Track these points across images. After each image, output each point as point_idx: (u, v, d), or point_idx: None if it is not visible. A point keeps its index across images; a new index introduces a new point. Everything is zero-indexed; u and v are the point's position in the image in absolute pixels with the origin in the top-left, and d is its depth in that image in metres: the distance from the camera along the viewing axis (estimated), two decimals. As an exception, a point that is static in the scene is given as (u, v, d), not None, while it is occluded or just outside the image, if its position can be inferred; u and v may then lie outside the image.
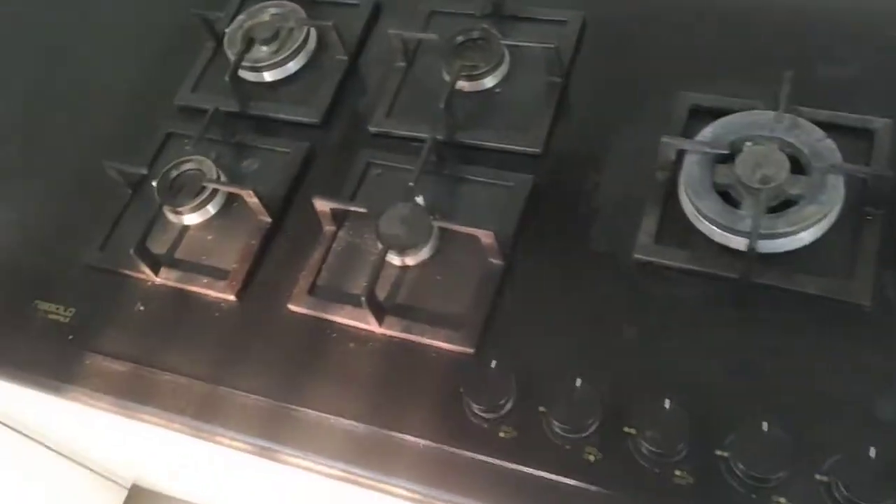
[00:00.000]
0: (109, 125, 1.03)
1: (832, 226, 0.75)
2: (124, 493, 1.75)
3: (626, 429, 0.70)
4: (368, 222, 0.85)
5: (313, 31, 1.01)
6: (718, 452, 0.68)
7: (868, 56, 0.84)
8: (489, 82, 0.92)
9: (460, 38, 0.93)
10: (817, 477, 0.66)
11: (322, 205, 0.85)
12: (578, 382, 0.71)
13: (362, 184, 0.90)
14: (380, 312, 0.79)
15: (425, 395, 0.77)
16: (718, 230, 0.76)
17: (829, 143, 0.76)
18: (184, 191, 0.91)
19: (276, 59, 0.99)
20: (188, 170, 0.92)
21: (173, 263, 0.89)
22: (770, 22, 0.90)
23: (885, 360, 0.70)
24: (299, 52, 0.99)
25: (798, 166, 0.77)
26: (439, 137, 0.87)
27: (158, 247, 0.90)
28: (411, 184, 0.83)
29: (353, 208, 0.84)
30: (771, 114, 0.79)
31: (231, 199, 0.92)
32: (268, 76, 1.00)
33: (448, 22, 0.98)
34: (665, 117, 0.85)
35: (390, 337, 0.80)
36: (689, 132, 0.82)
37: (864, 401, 0.69)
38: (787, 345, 0.72)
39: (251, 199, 0.87)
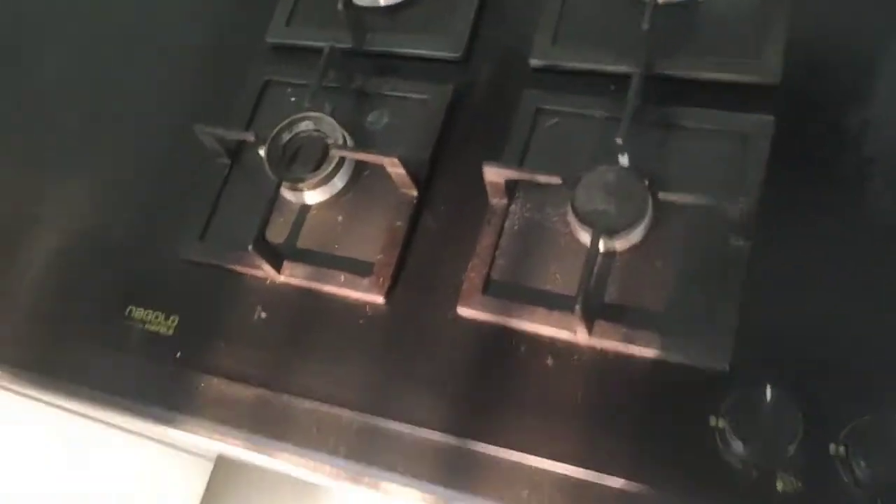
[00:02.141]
0: (188, 74, 0.83)
1: None
2: (210, 466, 1.64)
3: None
4: (551, 192, 0.64)
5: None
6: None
7: None
8: (691, -9, 0.69)
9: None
10: None
11: (494, 174, 0.63)
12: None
13: (532, 138, 0.68)
14: (589, 318, 0.59)
15: (661, 430, 0.57)
16: None
17: None
18: (300, 159, 0.71)
19: (396, -23, 0.76)
20: (303, 131, 0.71)
21: (298, 255, 0.69)
22: None
23: None
24: (424, -34, 0.77)
25: None
26: (639, 70, 0.65)
27: (275, 233, 0.70)
28: (619, 140, 0.61)
29: (542, 179, 0.63)
30: None
31: (360, 167, 0.71)
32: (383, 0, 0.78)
33: None
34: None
35: (602, 350, 0.60)
36: None
37: None
38: None
39: (396, 168, 0.66)
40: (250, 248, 0.65)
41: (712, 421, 0.56)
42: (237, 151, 0.75)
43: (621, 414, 0.59)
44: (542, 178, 0.62)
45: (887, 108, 0.62)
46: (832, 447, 0.53)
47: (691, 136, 0.64)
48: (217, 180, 0.74)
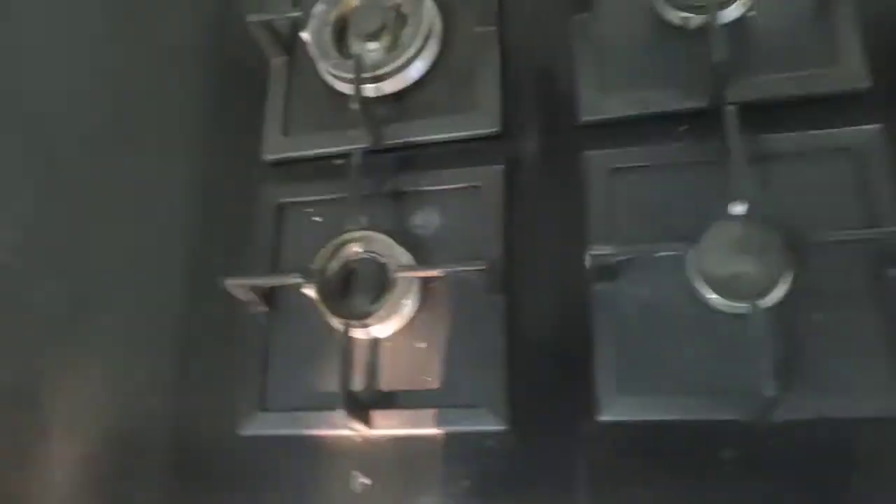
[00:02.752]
0: (188, 223, 0.70)
1: None
2: None
3: None
4: (662, 263, 0.56)
5: (429, 3, 0.69)
6: None
7: None
8: (738, 7, 0.62)
9: (678, -50, 0.63)
10: None
11: (597, 259, 0.55)
12: None
13: (614, 204, 0.60)
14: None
15: None
16: None
17: None
18: (356, 288, 0.60)
19: (399, 59, 0.66)
20: (354, 256, 0.61)
21: (386, 401, 0.59)
22: None
23: None
24: (427, 40, 0.67)
25: None
26: (722, 103, 0.58)
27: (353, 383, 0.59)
28: (736, 185, 0.54)
29: (661, 251, 0.55)
30: None
31: (427, 280, 0.61)
32: (390, 85, 0.68)
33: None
34: None
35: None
36: None
37: None
38: None
39: (483, 276, 0.56)
40: (339, 409, 0.54)
41: None
42: (271, 295, 0.64)
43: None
44: (663, 250, 0.54)
45: None
46: None
47: (793, 165, 0.58)
48: (259, 334, 0.63)
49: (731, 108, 0.56)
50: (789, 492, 0.52)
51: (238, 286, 0.60)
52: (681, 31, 0.63)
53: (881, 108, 0.58)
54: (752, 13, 0.62)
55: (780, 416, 0.51)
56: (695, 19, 0.62)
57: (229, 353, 0.64)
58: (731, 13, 0.62)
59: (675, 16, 0.63)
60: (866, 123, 0.57)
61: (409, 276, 0.59)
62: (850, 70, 0.59)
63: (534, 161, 0.64)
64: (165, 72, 0.76)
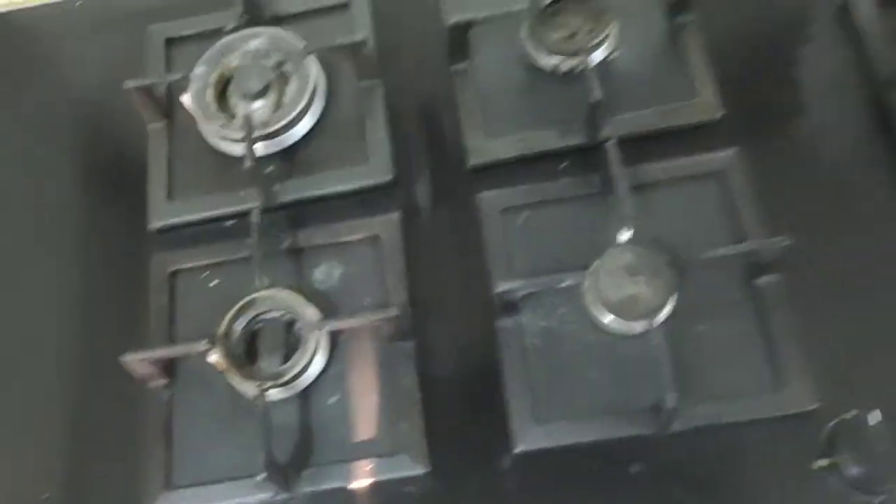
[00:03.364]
0: (74, 304, 0.67)
1: None
2: None
3: None
4: (560, 292, 0.59)
5: (313, 60, 0.70)
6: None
7: None
8: (603, 50, 0.67)
9: (545, 1, 0.67)
10: None
11: (507, 294, 0.57)
12: None
13: (511, 242, 0.62)
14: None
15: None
16: None
17: None
18: (262, 350, 0.59)
19: (285, 117, 0.67)
20: (259, 316, 0.60)
21: (304, 461, 0.58)
22: None
23: None
24: (313, 96, 0.69)
25: None
26: (587, 141, 0.63)
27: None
28: (624, 212, 0.58)
29: (563, 284, 0.57)
30: None
31: (335, 334, 0.61)
32: (277, 143, 0.68)
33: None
34: (841, 20, 0.66)
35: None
36: (893, 32, 0.64)
37: None
38: None
39: (393, 323, 0.57)
40: (262, 477, 0.53)
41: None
42: (171, 367, 0.62)
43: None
44: (566, 283, 0.57)
45: (822, 115, 0.64)
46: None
47: (667, 192, 0.62)
48: (160, 409, 0.61)
49: (611, 142, 0.60)
50: (691, 495, 0.55)
51: (137, 360, 0.58)
52: (554, 74, 0.67)
53: (736, 133, 0.63)
54: (618, 54, 0.68)
55: (679, 426, 0.55)
56: (566, 63, 0.66)
57: (130, 433, 0.61)
58: (598, 56, 0.67)
59: (548, 61, 0.67)
60: (724, 148, 0.63)
61: (319, 331, 0.59)
62: (706, 102, 0.64)
63: (428, 206, 0.66)
64: (40, 149, 0.73)
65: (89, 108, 0.74)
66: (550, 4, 0.68)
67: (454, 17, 0.66)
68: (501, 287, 0.57)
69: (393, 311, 0.57)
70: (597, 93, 0.61)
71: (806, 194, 0.62)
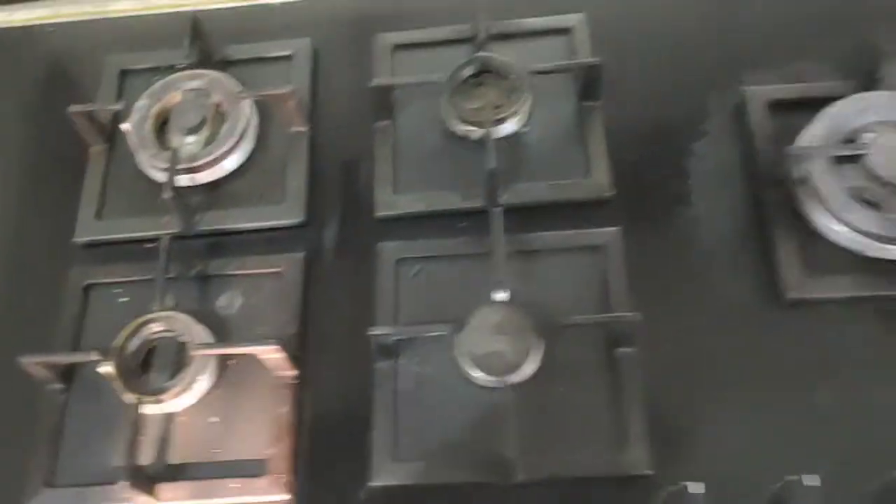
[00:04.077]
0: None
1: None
2: None
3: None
4: (437, 341, 0.63)
5: (248, 103, 0.76)
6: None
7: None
8: (512, 125, 0.72)
9: (465, 74, 0.73)
10: None
11: (382, 338, 0.61)
12: (811, 480, 0.55)
13: (400, 290, 0.67)
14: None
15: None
16: (877, 243, 0.63)
17: (956, 114, 0.66)
18: (155, 366, 0.64)
19: (215, 152, 0.72)
20: (154, 335, 0.64)
21: (174, 473, 0.62)
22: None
23: None
24: (243, 136, 0.74)
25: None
26: (485, 205, 0.67)
27: (141, 455, 0.62)
28: (499, 275, 0.62)
29: (432, 333, 0.62)
30: (877, 95, 0.67)
31: (225, 357, 0.65)
32: (204, 176, 0.73)
33: (420, 58, 0.78)
34: (735, 121, 0.71)
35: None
36: (780, 134, 0.69)
37: None
38: None
39: (275, 354, 0.61)
40: (123, 481, 0.57)
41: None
42: (70, 373, 0.66)
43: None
44: (434, 332, 0.61)
45: (706, 203, 0.69)
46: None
47: (550, 259, 0.67)
48: (53, 412, 0.64)
49: (497, 209, 0.65)
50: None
51: (33, 364, 0.62)
52: (465, 141, 0.72)
53: (621, 213, 0.68)
54: (526, 129, 0.73)
55: (524, 477, 0.58)
56: (475, 132, 0.71)
57: (23, 432, 0.65)
58: (508, 128, 0.72)
59: (460, 128, 0.72)
60: (609, 226, 0.67)
61: (204, 353, 0.63)
62: (598, 181, 0.69)
63: (333, 250, 0.71)
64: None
65: (35, 130, 0.80)
66: (472, 77, 0.74)
67: (376, 81, 0.72)
68: (374, 331, 0.61)
69: (274, 343, 0.61)
70: (492, 162, 0.66)
71: (676, 277, 0.66)
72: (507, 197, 0.69)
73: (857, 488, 0.56)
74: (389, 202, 0.71)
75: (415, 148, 0.74)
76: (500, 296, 0.63)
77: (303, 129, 0.75)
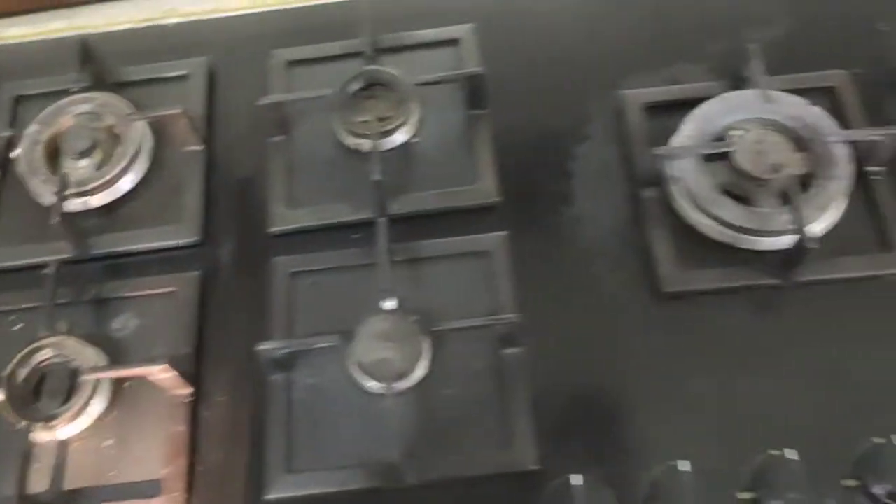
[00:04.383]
0: None
1: (850, 196, 0.68)
2: None
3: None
4: (328, 352, 0.64)
5: (142, 125, 0.76)
6: (847, 483, 0.59)
7: (793, 11, 0.79)
8: (403, 135, 0.74)
9: (353, 88, 0.74)
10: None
11: (271, 352, 0.62)
12: (683, 465, 0.58)
13: (294, 304, 0.68)
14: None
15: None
16: (746, 235, 0.66)
17: (817, 111, 0.69)
18: (46, 392, 0.64)
19: (106, 175, 0.73)
20: (45, 361, 0.64)
21: (68, 500, 0.61)
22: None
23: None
24: (136, 158, 0.74)
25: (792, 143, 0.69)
26: (376, 216, 0.69)
27: (33, 483, 0.61)
28: (384, 285, 0.64)
29: (320, 344, 0.63)
30: (741, 94, 0.71)
31: (120, 380, 0.66)
32: (97, 200, 0.74)
33: (315, 72, 0.79)
34: (615, 124, 0.74)
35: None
36: (655, 135, 0.72)
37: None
38: (860, 340, 0.64)
39: (165, 375, 0.62)
40: (12, 511, 0.57)
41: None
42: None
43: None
44: (321, 343, 0.63)
45: (588, 203, 0.71)
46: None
47: (439, 265, 0.69)
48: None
49: (382, 220, 0.67)
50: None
51: (-79, 393, 0.62)
52: (356, 153, 0.74)
53: (507, 218, 0.70)
54: (416, 139, 0.75)
55: (415, 479, 0.60)
56: (365, 144, 0.73)
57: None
58: (397, 139, 0.74)
59: (351, 141, 0.74)
60: (496, 230, 0.70)
61: (93, 377, 0.63)
62: (486, 187, 0.71)
63: (229, 267, 0.72)
64: None
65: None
66: (363, 90, 0.75)
67: (265, 98, 0.73)
68: (262, 346, 0.62)
69: (162, 363, 0.62)
70: (377, 174, 0.67)
71: (561, 277, 0.68)
72: (397, 207, 0.71)
73: (728, 471, 0.59)
74: (283, 217, 0.72)
75: (309, 162, 0.75)
76: (388, 304, 0.64)
77: (198, 147, 0.76)
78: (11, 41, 0.88)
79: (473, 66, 0.76)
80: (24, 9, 0.89)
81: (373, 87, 0.75)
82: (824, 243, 0.66)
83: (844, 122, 0.71)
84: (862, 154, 0.69)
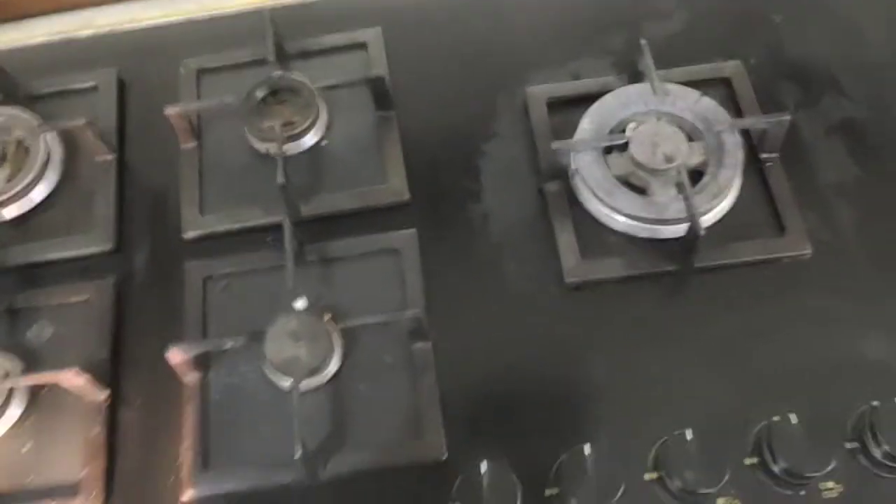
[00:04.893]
0: None
1: (742, 184, 0.71)
2: None
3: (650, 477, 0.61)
4: (242, 352, 0.66)
5: (52, 137, 0.76)
6: (748, 461, 0.62)
7: (691, 4, 0.82)
8: (312, 138, 0.76)
9: (260, 94, 0.75)
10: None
11: (181, 355, 0.63)
12: (587, 449, 0.60)
13: (208, 307, 0.69)
14: (312, 466, 0.61)
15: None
16: (644, 224, 0.69)
17: (709, 102, 0.72)
18: (-40, 402, 0.64)
19: (16, 187, 0.73)
20: (-43, 373, 0.65)
21: (-14, 505, 0.62)
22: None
23: (845, 301, 0.68)
24: (46, 169, 0.75)
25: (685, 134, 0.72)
26: (287, 218, 0.70)
27: (-51, 494, 0.62)
28: (290, 285, 0.65)
29: (228, 345, 0.64)
30: (637, 88, 0.73)
31: (37, 387, 0.66)
32: (9, 212, 0.74)
33: (225, 80, 0.80)
34: (521, 120, 0.76)
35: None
36: (558, 129, 0.74)
37: (857, 350, 0.65)
38: (757, 322, 0.67)
39: (77, 380, 0.63)
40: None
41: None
42: None
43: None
44: (229, 344, 0.64)
45: (496, 198, 0.73)
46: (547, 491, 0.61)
47: (350, 264, 0.70)
48: None
49: (287, 221, 0.68)
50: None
51: None
52: (266, 158, 0.75)
53: (417, 216, 0.72)
54: (325, 142, 0.76)
55: (328, 475, 0.62)
56: (272, 148, 0.74)
57: None
58: (306, 142, 0.75)
59: (260, 146, 0.75)
60: (406, 228, 0.71)
61: (6, 385, 0.64)
62: (395, 187, 0.73)
63: (142, 274, 0.72)
64: None
65: None
66: (272, 95, 0.76)
67: (169, 108, 0.74)
68: (175, 353, 0.63)
69: (72, 369, 0.62)
70: (281, 177, 0.69)
71: (469, 271, 0.70)
72: (308, 208, 0.72)
73: (633, 454, 0.62)
74: (196, 222, 0.73)
75: (220, 168, 0.76)
76: (298, 304, 0.66)
77: (109, 157, 0.76)
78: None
79: (382, 69, 0.78)
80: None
81: (280, 92, 0.76)
82: (721, 230, 0.70)
83: (739, 112, 0.75)
84: (756, 142, 0.73)
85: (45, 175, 0.74)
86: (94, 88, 0.80)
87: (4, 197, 0.73)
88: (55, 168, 0.76)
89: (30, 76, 0.82)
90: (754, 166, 0.72)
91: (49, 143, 0.75)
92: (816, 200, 0.71)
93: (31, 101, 0.80)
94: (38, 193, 0.74)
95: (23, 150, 0.75)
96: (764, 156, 0.72)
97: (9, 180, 0.74)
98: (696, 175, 0.70)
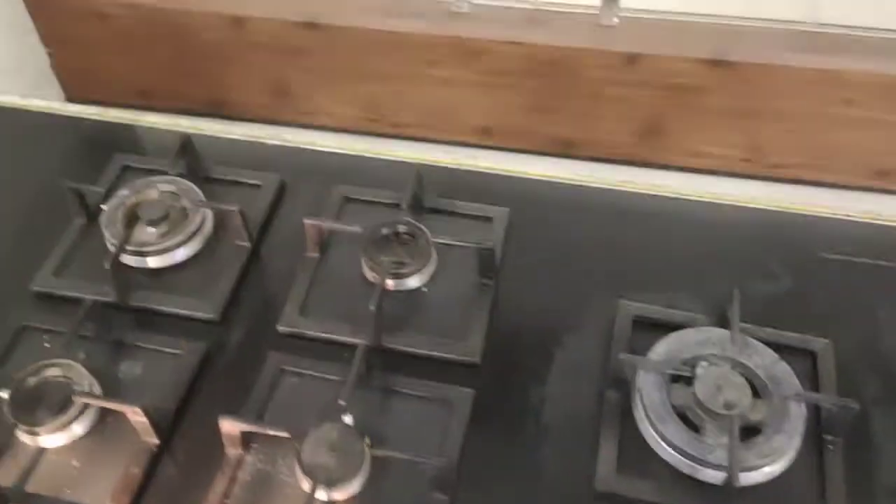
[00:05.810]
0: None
1: (798, 455, 0.71)
2: None
3: None
4: (283, 444, 0.71)
5: (209, 213, 0.89)
6: None
7: (800, 273, 0.86)
8: (415, 281, 0.84)
9: (384, 231, 0.85)
10: None
11: (231, 426, 0.70)
12: None
13: (273, 395, 0.76)
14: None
15: None
16: (686, 460, 0.70)
17: (785, 367, 0.74)
18: (44, 404, 0.73)
19: (165, 244, 0.85)
20: (51, 377, 0.74)
21: (23, 499, 0.69)
22: (705, 235, 0.90)
23: None
24: (193, 237, 0.87)
25: (753, 389, 0.74)
26: (367, 343, 0.77)
27: (3, 476, 0.70)
28: (342, 402, 0.71)
29: (271, 432, 0.70)
30: (721, 332, 0.76)
31: (105, 413, 0.75)
32: (153, 262, 0.86)
33: (364, 211, 0.91)
34: (607, 327, 0.81)
35: None
36: (636, 345, 0.78)
37: None
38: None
39: (137, 417, 0.70)
40: (-26, 491, 0.65)
41: None
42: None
43: None
44: (272, 431, 0.70)
45: (557, 390, 0.77)
46: None
47: (406, 401, 0.76)
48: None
49: (363, 344, 0.75)
50: None
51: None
52: (371, 286, 0.83)
53: (480, 379, 0.77)
54: (426, 289, 0.84)
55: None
56: (378, 278, 0.83)
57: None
58: (410, 283, 0.83)
59: (370, 274, 0.84)
60: (466, 387, 0.76)
61: (85, 401, 0.72)
62: (470, 347, 0.79)
63: (232, 349, 0.80)
64: None
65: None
66: (394, 235, 0.85)
67: (308, 220, 0.85)
68: (228, 423, 0.69)
69: (137, 408, 0.70)
70: (373, 305, 0.76)
71: (510, 448, 0.73)
72: (389, 339, 0.79)
73: None
74: (292, 320, 0.81)
75: (330, 282, 0.85)
76: (346, 418, 0.71)
77: (245, 244, 0.87)
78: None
79: (498, 243, 0.86)
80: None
81: (402, 235, 0.85)
82: (764, 492, 0.70)
83: (815, 387, 0.76)
84: (823, 421, 0.73)
85: (191, 241, 0.86)
86: (258, 186, 0.94)
87: (154, 248, 0.85)
88: (201, 238, 0.87)
89: (213, 161, 0.96)
90: (815, 443, 0.72)
91: (204, 217, 0.88)
92: (867, 496, 0.70)
93: (205, 181, 0.93)
94: (181, 254, 0.86)
95: (183, 216, 0.88)
96: (826, 436, 0.72)
97: (162, 236, 0.86)
98: (753, 432, 0.71)
